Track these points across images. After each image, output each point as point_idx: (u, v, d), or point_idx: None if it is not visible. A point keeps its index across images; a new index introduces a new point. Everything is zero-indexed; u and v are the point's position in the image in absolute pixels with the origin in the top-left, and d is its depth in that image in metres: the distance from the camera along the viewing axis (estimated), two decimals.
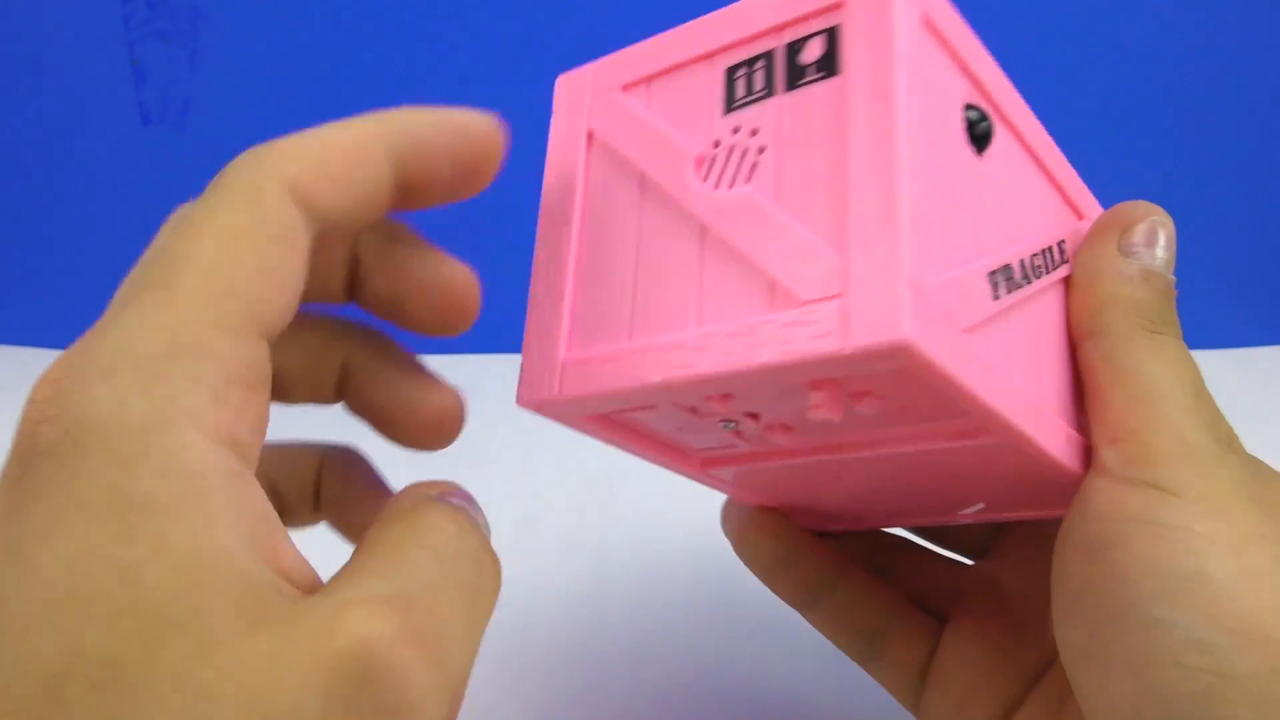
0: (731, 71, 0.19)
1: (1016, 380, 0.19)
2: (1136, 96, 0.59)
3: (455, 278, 0.20)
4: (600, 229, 0.20)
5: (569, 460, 0.45)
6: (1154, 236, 0.21)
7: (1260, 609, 0.17)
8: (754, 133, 0.18)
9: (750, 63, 0.18)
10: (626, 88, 0.20)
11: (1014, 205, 0.20)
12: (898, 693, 0.27)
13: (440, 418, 0.20)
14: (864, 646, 0.27)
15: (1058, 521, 0.21)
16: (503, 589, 0.18)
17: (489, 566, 0.17)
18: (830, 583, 0.27)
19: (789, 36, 0.18)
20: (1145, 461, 0.19)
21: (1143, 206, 0.22)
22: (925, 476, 0.23)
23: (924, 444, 0.20)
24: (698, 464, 0.24)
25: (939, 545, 0.30)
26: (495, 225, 0.45)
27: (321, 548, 0.19)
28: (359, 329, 0.21)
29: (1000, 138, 0.20)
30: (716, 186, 0.18)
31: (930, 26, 0.18)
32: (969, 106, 0.19)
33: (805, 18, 0.18)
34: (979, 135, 0.19)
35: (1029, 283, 0.20)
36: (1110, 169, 0.58)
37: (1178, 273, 0.21)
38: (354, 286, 0.20)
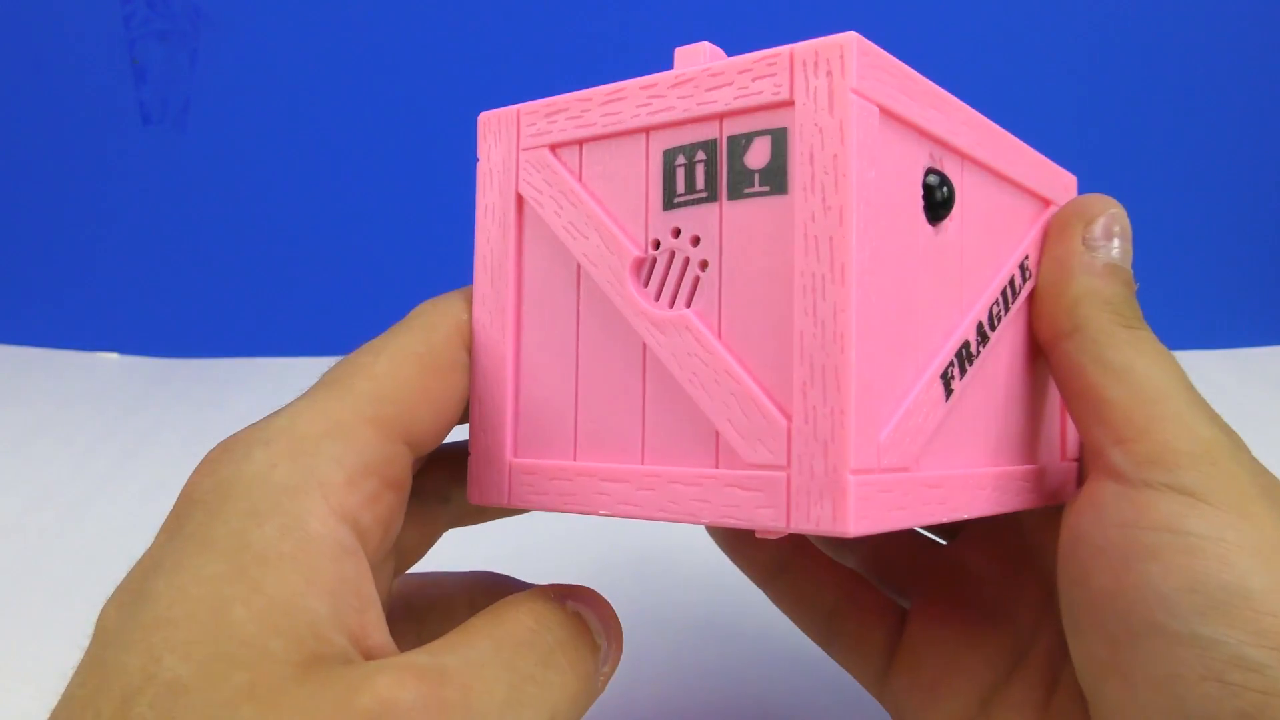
0: (671, 156, 0.17)
1: (979, 444, 0.19)
2: (1136, 96, 0.59)
3: None
4: (539, 317, 0.19)
5: None
6: (1111, 230, 0.21)
7: None
8: (695, 241, 0.17)
9: (690, 151, 0.17)
10: (555, 148, 0.19)
11: (975, 254, 0.20)
12: (859, 674, 0.27)
13: None
14: (821, 626, 0.27)
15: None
16: None
17: (560, 663, 0.17)
18: (785, 561, 0.27)
19: (732, 129, 0.17)
20: (1163, 463, 0.18)
21: (1100, 201, 0.21)
22: None
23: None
24: None
25: None
26: None
27: None
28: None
29: (959, 189, 0.19)
30: (656, 299, 0.18)
31: (889, 114, 0.16)
32: (929, 171, 0.18)
33: (750, 110, 0.16)
34: (938, 203, 0.18)
35: (987, 341, 0.20)
36: (1110, 169, 0.58)
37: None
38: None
